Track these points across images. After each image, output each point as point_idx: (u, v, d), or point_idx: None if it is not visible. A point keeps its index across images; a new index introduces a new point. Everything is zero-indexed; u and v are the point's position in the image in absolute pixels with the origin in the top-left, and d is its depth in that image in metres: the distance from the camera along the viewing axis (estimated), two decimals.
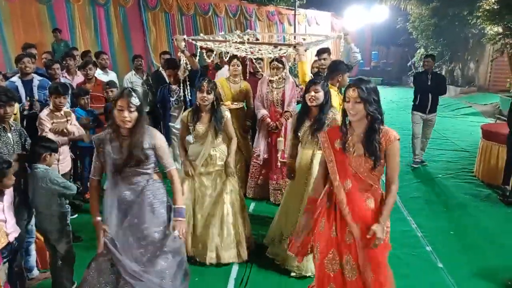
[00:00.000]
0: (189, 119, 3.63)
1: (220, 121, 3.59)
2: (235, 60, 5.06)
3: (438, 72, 6.46)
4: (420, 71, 6.91)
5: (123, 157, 2.54)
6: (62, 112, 4.02)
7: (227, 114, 3.69)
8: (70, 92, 4.67)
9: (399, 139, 2.39)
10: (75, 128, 4.08)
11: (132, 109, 2.46)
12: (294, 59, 5.04)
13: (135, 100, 2.47)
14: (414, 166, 6.52)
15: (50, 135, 3.76)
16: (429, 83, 6.32)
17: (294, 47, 4.04)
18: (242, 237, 3.73)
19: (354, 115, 2.35)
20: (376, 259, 2.38)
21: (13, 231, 2.71)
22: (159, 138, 2.66)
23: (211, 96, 3.51)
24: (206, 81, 3.52)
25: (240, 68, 5.13)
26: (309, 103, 3.32)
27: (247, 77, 5.41)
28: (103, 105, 5.12)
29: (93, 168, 2.68)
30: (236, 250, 3.69)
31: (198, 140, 3.65)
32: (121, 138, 2.57)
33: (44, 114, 3.93)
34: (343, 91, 2.50)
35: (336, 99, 4.06)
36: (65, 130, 3.97)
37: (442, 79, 6.62)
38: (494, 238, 4.25)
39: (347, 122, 2.46)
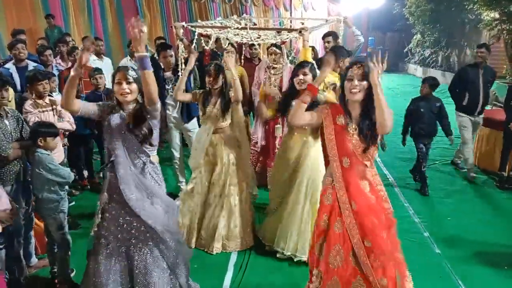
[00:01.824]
0: (200, 99, 3.73)
1: (227, 103, 3.66)
2: (229, 47, 5.01)
3: (489, 65, 5.57)
4: (471, 63, 5.73)
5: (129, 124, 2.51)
6: (47, 100, 3.93)
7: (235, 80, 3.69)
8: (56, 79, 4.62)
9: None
10: (67, 125, 4.03)
11: (130, 80, 2.48)
12: (291, 44, 4.99)
13: (132, 73, 2.49)
14: (473, 177, 5.47)
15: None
16: (480, 79, 5.32)
17: (300, 32, 3.99)
18: (247, 226, 3.80)
19: (356, 94, 2.35)
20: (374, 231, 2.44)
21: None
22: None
23: (218, 80, 3.61)
24: (212, 65, 3.59)
25: (234, 54, 5.08)
26: (297, 86, 3.36)
27: (243, 63, 5.36)
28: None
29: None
30: (241, 239, 3.76)
31: (206, 122, 3.75)
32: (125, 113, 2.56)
33: (27, 104, 3.83)
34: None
35: (337, 82, 4.06)
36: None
37: (494, 74, 5.61)
38: (491, 224, 4.29)
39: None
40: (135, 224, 2.56)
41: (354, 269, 2.46)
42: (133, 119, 2.51)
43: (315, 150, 3.46)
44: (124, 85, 2.48)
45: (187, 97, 3.80)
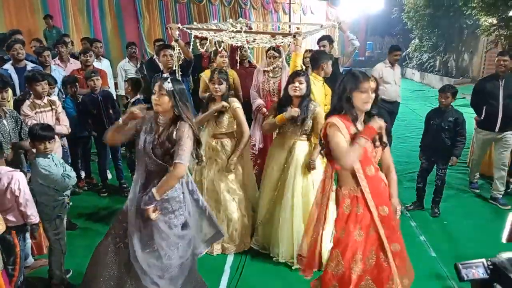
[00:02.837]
0: (204, 104, 3.77)
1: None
2: (222, 51, 5.05)
3: None
4: (489, 74, 5.18)
5: (155, 141, 2.52)
6: (45, 101, 3.93)
7: (235, 104, 3.69)
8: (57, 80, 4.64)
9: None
10: (64, 129, 4.04)
11: (163, 93, 2.46)
12: (289, 48, 5.02)
13: (168, 85, 2.46)
14: (474, 190, 5.31)
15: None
16: (500, 91, 4.75)
17: (294, 36, 4.02)
18: (246, 230, 3.83)
19: (368, 104, 2.41)
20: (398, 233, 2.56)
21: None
22: (185, 131, 2.50)
23: (223, 87, 3.59)
24: (217, 72, 3.59)
25: (227, 58, 5.13)
26: (292, 93, 3.41)
27: (238, 67, 5.40)
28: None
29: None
30: (240, 241, 3.79)
31: (207, 127, 3.79)
32: (157, 125, 2.57)
33: (25, 106, 3.83)
34: (351, 83, 2.49)
35: (321, 89, 4.12)
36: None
37: None
38: (487, 228, 4.30)
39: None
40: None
41: (367, 270, 2.48)
42: (162, 135, 2.52)
43: (303, 153, 3.51)
44: (156, 96, 2.48)
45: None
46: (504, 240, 1.66)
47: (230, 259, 3.66)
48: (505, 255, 1.62)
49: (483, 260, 1.58)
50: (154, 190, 2.42)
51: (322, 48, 4.96)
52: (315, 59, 4.24)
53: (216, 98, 3.69)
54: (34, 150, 2.98)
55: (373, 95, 2.42)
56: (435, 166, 4.66)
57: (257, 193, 4.04)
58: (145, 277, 2.51)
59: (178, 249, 2.61)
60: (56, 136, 3.48)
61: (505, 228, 1.64)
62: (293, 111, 3.36)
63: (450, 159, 4.47)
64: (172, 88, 2.47)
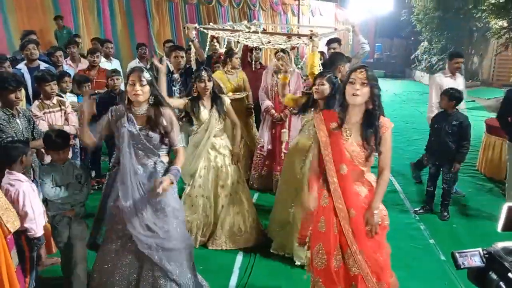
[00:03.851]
0: (190, 108, 3.69)
1: (222, 106, 3.71)
2: (235, 53, 5.12)
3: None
4: None
5: (143, 131, 2.60)
6: (54, 101, 3.96)
7: (227, 100, 3.80)
8: (71, 79, 4.68)
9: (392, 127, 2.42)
10: (72, 129, 4.07)
11: (144, 83, 2.54)
12: (297, 50, 5.02)
13: (146, 75, 2.55)
14: None
15: (44, 127, 3.71)
16: None
17: (310, 37, 4.02)
18: (255, 223, 3.90)
19: (357, 97, 2.30)
20: (374, 239, 2.40)
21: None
22: (172, 116, 2.70)
23: (211, 84, 3.65)
24: (203, 71, 3.61)
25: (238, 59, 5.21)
26: (315, 96, 3.35)
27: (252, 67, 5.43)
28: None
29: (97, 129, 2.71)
30: (250, 236, 3.85)
31: (202, 128, 3.73)
32: (136, 116, 2.63)
33: (34, 106, 3.87)
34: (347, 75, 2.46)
35: None
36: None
37: None
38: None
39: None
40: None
41: (349, 275, 2.41)
42: (148, 123, 2.60)
43: None
44: (138, 87, 2.53)
45: (179, 102, 3.74)
46: (499, 229, 1.69)
47: (239, 259, 3.67)
48: (500, 245, 1.67)
49: (479, 249, 1.63)
50: (177, 166, 2.63)
51: (331, 51, 4.96)
52: (332, 61, 4.19)
53: (203, 96, 3.68)
54: (46, 155, 2.97)
55: (365, 89, 2.30)
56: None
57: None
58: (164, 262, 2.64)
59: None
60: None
61: (500, 217, 1.66)
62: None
63: (453, 164, 4.40)
64: (151, 78, 2.57)
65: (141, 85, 2.53)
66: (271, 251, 3.73)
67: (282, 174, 3.98)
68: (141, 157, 2.64)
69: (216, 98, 3.70)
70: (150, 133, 2.60)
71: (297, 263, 3.51)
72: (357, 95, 2.30)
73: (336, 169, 2.41)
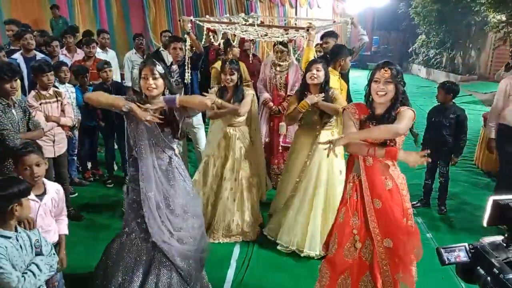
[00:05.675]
0: (219, 96, 3.76)
1: (240, 98, 3.70)
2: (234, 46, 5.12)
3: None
4: None
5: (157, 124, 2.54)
6: (50, 92, 3.92)
7: (250, 92, 3.79)
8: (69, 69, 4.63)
9: (413, 111, 2.39)
10: (69, 120, 4.03)
11: (156, 76, 2.49)
12: (295, 42, 4.98)
13: (159, 68, 2.50)
14: None
15: (40, 117, 3.68)
16: None
17: (307, 30, 4.01)
18: (255, 220, 3.88)
19: (383, 96, 2.35)
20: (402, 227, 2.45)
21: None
22: None
23: (234, 77, 3.66)
24: (228, 63, 3.64)
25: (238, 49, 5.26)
26: (309, 81, 3.42)
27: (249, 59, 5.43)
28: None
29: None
30: (249, 231, 3.84)
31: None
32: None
33: (30, 96, 3.83)
34: (369, 73, 2.46)
35: (337, 84, 4.09)
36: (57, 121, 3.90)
37: None
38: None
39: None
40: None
41: (365, 264, 2.48)
42: (164, 119, 2.55)
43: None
44: (151, 81, 2.48)
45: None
46: (485, 224, 1.67)
47: (236, 252, 3.67)
48: (487, 240, 1.65)
49: (465, 244, 1.61)
50: (178, 96, 2.53)
51: (325, 45, 4.91)
52: (334, 52, 4.18)
53: (227, 87, 3.73)
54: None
55: (391, 86, 2.33)
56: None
57: (265, 185, 4.16)
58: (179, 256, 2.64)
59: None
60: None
61: (485, 212, 1.64)
62: (314, 96, 3.35)
63: (452, 158, 4.40)
64: (163, 71, 2.53)
65: (154, 79, 2.49)
66: (264, 232, 3.84)
67: (288, 159, 3.96)
68: (158, 152, 2.62)
69: (237, 91, 3.71)
70: (165, 128, 2.58)
71: (278, 247, 3.60)
72: (382, 94, 2.34)
73: (363, 160, 2.47)
